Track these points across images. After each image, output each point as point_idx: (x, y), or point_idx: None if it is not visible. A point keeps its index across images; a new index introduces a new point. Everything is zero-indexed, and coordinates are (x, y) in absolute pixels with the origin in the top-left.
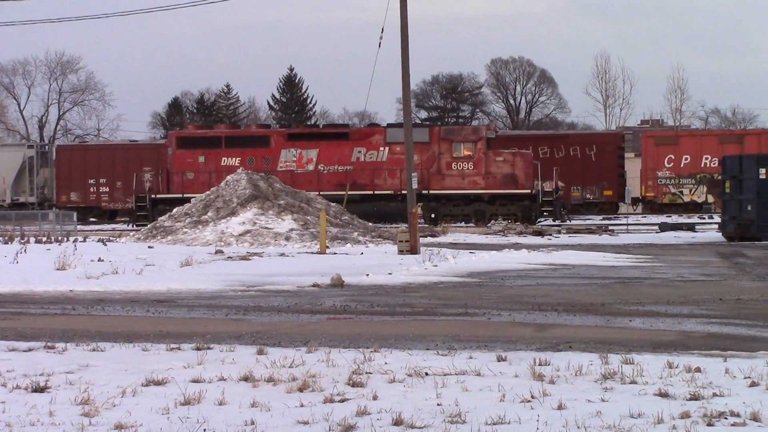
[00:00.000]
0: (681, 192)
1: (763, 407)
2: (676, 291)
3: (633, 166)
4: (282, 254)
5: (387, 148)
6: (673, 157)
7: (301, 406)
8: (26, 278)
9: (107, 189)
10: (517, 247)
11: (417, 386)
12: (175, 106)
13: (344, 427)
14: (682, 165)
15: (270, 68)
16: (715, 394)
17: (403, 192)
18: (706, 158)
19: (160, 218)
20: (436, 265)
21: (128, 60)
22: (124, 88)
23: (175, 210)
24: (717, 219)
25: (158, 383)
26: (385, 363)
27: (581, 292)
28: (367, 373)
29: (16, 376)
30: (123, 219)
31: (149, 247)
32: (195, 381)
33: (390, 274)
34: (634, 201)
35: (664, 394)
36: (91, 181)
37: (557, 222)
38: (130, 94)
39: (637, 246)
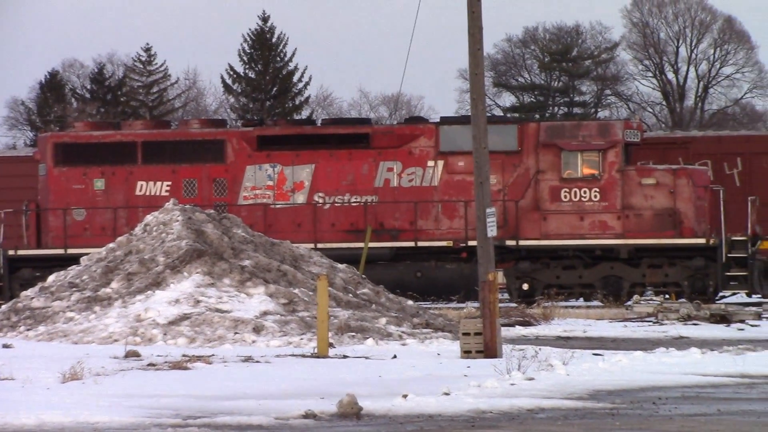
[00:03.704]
0: None
1: None
2: None
3: None
4: (248, 358)
5: (440, 163)
6: None
7: None
8: None
9: None
10: (680, 344)
11: None
12: (52, 87)
13: None
14: None
15: (226, 17)
16: None
17: (471, 243)
18: None
19: (23, 293)
20: (531, 378)
21: None
22: None
23: (51, 278)
24: None
25: None
26: None
27: None
28: None
29: None
30: None
31: (4, 345)
32: None
33: (447, 394)
34: None
35: None
36: None
37: (755, 298)
38: None
39: None
